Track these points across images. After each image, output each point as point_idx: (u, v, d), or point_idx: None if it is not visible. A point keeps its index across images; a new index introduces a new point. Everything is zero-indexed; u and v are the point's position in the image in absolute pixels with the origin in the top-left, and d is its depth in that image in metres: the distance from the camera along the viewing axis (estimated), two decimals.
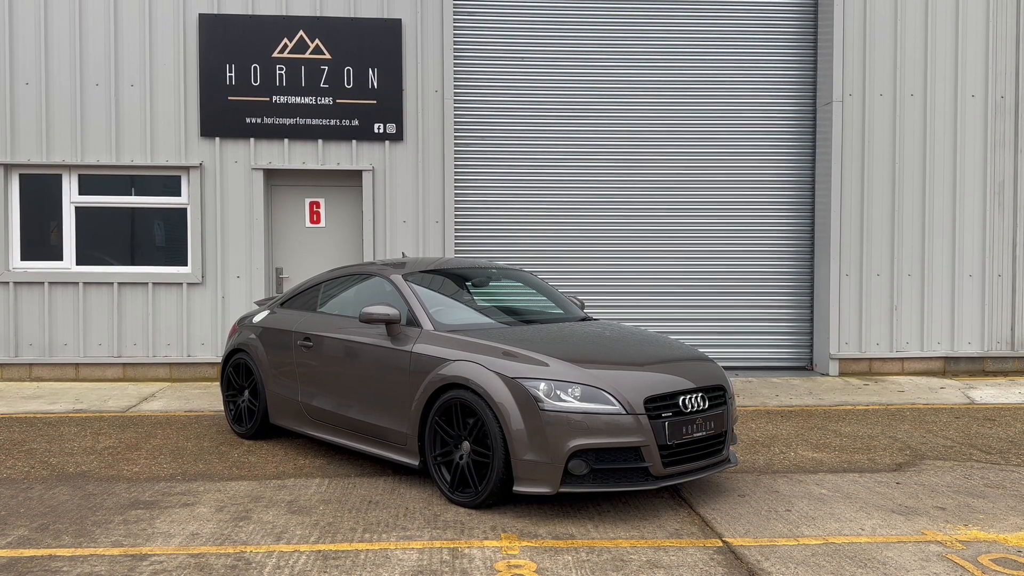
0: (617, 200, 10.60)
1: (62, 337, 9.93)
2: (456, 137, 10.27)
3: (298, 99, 9.99)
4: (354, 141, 10.07)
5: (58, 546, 4.68)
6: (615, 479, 5.07)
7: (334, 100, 10.01)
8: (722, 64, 10.67)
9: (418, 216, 10.15)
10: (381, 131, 10.07)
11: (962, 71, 10.49)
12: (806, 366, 10.82)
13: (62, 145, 9.88)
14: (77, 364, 9.96)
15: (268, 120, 9.96)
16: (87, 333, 9.93)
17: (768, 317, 10.77)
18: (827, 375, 10.35)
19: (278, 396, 6.87)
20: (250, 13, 9.96)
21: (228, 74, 9.92)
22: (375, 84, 10.03)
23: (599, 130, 10.57)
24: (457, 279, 6.87)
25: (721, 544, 4.73)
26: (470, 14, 10.44)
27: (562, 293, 7.27)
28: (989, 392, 9.42)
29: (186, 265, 10.10)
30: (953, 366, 10.59)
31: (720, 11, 10.65)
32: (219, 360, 9.68)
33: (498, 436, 5.12)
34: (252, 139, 9.98)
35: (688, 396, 5.29)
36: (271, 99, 9.96)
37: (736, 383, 9.73)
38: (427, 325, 5.91)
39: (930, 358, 10.55)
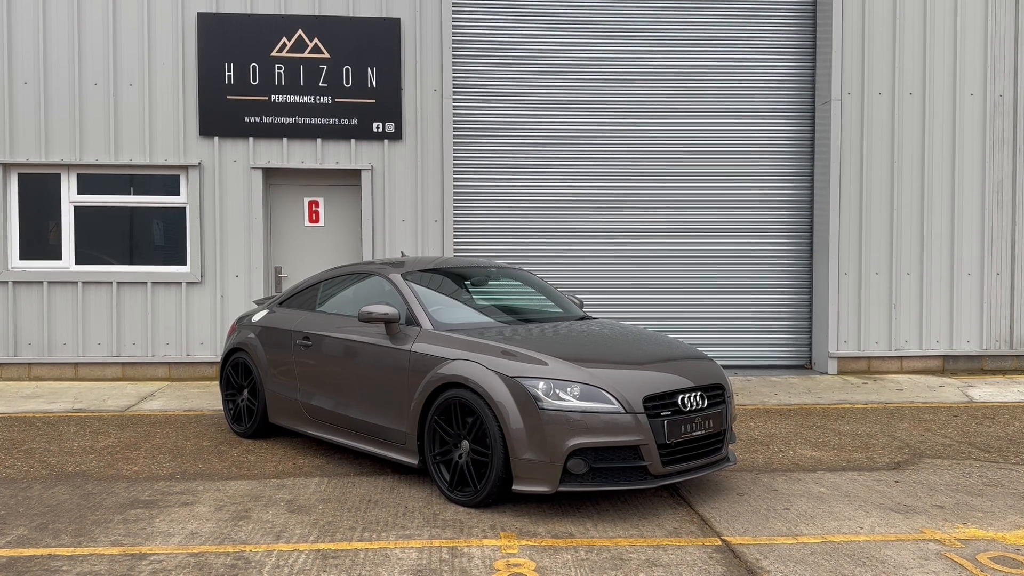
0: (616, 190, 10.59)
1: (61, 336, 9.93)
2: (455, 129, 10.25)
3: (297, 98, 9.98)
4: (353, 140, 10.07)
5: (57, 545, 4.68)
6: (614, 478, 5.07)
7: (333, 99, 10.00)
8: (722, 56, 10.64)
9: (417, 215, 10.15)
10: (380, 130, 10.06)
11: (961, 70, 10.50)
12: (805, 365, 10.83)
13: (61, 144, 9.87)
14: (76, 363, 9.96)
15: (267, 119, 9.96)
16: (86, 332, 9.93)
17: (767, 316, 10.78)
18: (826, 374, 10.35)
19: (277, 395, 6.87)
20: (249, 12, 9.95)
21: (227, 73, 9.91)
22: (374, 83, 10.03)
23: (599, 119, 10.55)
24: (456, 278, 6.87)
25: (720, 543, 4.74)
26: (469, 11, 10.43)
27: (561, 292, 7.28)
28: (988, 391, 9.43)
29: (185, 264, 10.09)
30: (952, 365, 10.60)
31: (720, 1, 10.63)
32: (218, 359, 9.68)
33: (497, 435, 5.12)
34: (251, 138, 9.98)
35: (687, 395, 5.30)
36: (270, 98, 9.96)
37: (735, 382, 9.74)
38: (426, 324, 5.91)
39: (929, 357, 10.56)
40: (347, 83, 10.00)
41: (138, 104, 9.91)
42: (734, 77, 10.68)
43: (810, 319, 10.80)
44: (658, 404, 5.17)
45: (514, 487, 5.13)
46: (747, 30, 10.68)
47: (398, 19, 10.06)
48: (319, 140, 10.04)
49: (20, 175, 10.01)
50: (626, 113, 10.59)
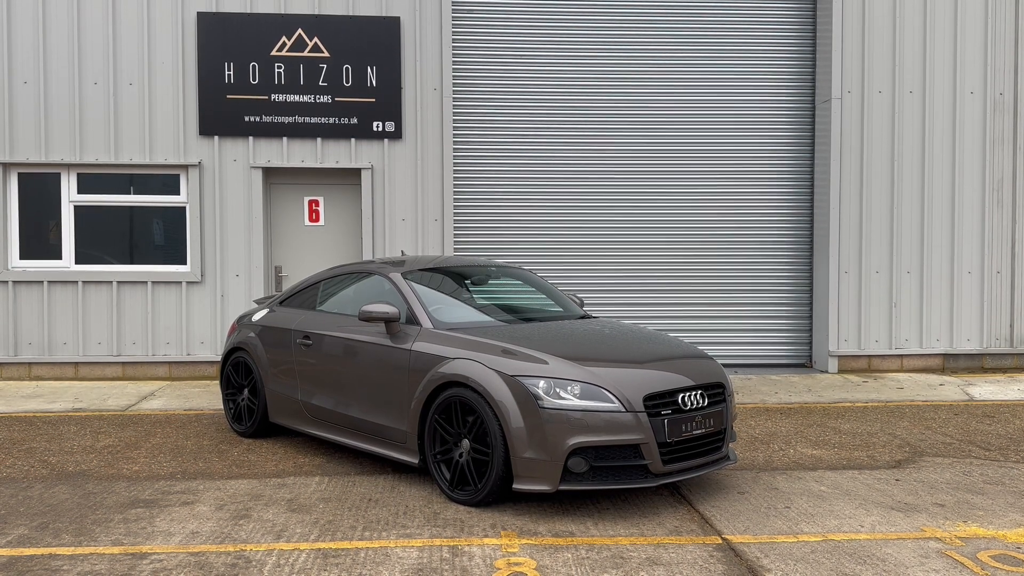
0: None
1: (61, 336, 9.93)
2: (455, 123, 10.23)
3: (297, 97, 9.98)
4: (353, 139, 10.07)
5: (58, 545, 4.68)
6: (614, 477, 5.07)
7: (333, 98, 10.00)
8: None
9: (417, 214, 10.15)
10: (380, 129, 10.06)
11: (961, 68, 10.50)
12: (805, 363, 10.82)
13: (61, 144, 9.87)
14: (76, 363, 9.96)
15: (267, 119, 9.96)
16: (86, 332, 9.93)
17: (767, 314, 10.77)
18: (826, 372, 10.35)
19: (277, 394, 6.87)
20: (248, 11, 9.94)
21: (227, 72, 9.91)
22: (374, 82, 10.03)
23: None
24: (456, 277, 6.87)
25: (720, 541, 4.74)
26: (469, 7, 10.42)
27: (561, 291, 7.28)
28: (988, 389, 9.43)
29: (185, 264, 10.09)
30: (952, 363, 10.60)
31: None
32: (218, 359, 9.68)
33: (497, 434, 5.12)
34: (251, 138, 9.98)
35: (687, 394, 5.30)
36: (270, 97, 9.95)
37: (735, 380, 9.74)
38: (426, 323, 5.91)
39: (929, 355, 10.56)
40: (347, 82, 10.00)
41: (138, 103, 9.91)
42: (735, 66, 10.67)
43: (810, 317, 10.80)
44: (658, 403, 5.17)
45: (515, 486, 5.13)
46: (749, 18, 10.66)
47: (398, 18, 10.05)
48: (319, 139, 10.03)
49: (20, 175, 10.00)
50: (626, 101, 10.56)
